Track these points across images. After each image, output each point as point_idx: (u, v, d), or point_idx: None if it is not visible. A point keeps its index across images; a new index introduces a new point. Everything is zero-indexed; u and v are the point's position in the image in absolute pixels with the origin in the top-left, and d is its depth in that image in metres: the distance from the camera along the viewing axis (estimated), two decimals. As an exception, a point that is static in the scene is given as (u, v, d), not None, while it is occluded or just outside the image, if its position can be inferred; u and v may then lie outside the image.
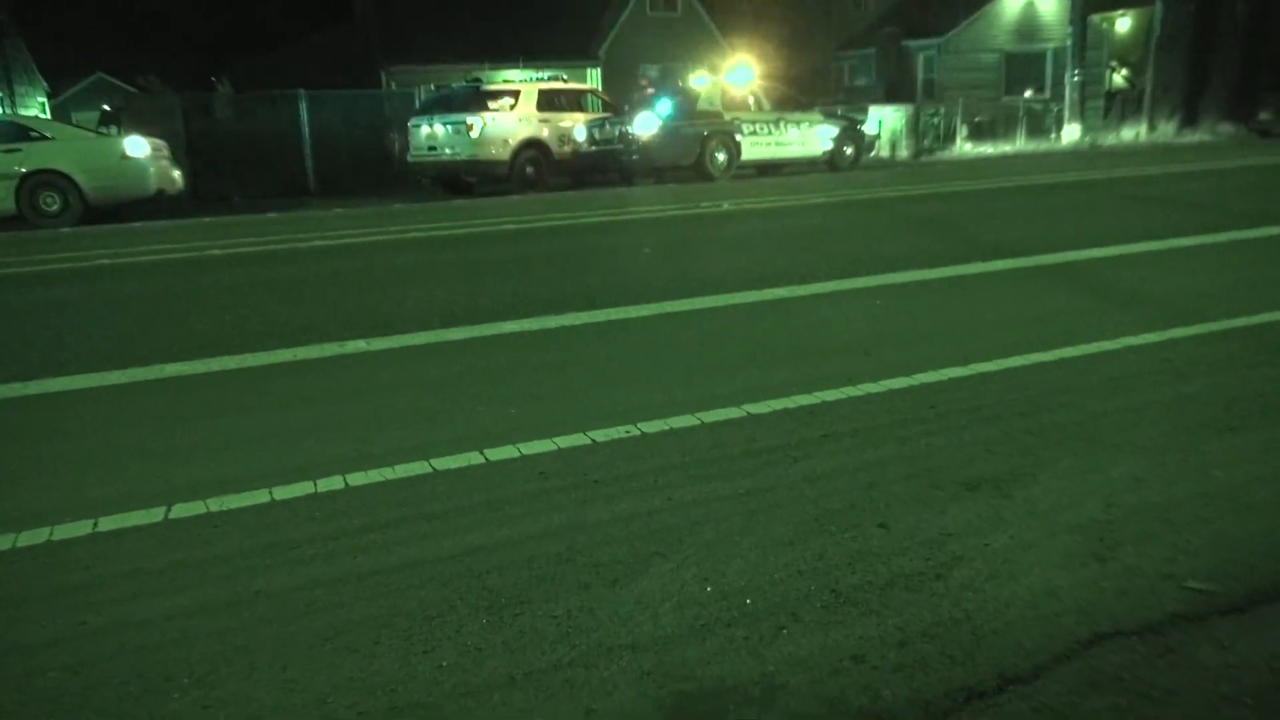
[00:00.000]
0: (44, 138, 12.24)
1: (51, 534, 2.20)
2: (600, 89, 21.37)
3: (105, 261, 7.61)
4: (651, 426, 2.76)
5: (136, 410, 3.22)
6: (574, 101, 16.08)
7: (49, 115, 29.88)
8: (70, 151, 12.20)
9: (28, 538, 2.19)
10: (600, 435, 2.70)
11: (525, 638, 1.68)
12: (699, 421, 2.79)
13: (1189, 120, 22.15)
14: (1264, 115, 21.27)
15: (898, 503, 2.18)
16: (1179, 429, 2.57)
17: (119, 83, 37.45)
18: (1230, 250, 5.47)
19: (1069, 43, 21.94)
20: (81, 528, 2.23)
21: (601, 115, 15.95)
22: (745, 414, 2.84)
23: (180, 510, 2.30)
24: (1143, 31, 26.81)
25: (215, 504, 2.33)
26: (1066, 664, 1.54)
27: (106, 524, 2.24)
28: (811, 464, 2.43)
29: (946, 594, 1.76)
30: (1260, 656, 1.53)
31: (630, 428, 2.75)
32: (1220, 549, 1.89)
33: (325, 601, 1.83)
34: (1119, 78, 29.51)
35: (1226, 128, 21.25)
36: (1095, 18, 24.59)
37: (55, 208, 12.02)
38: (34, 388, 3.53)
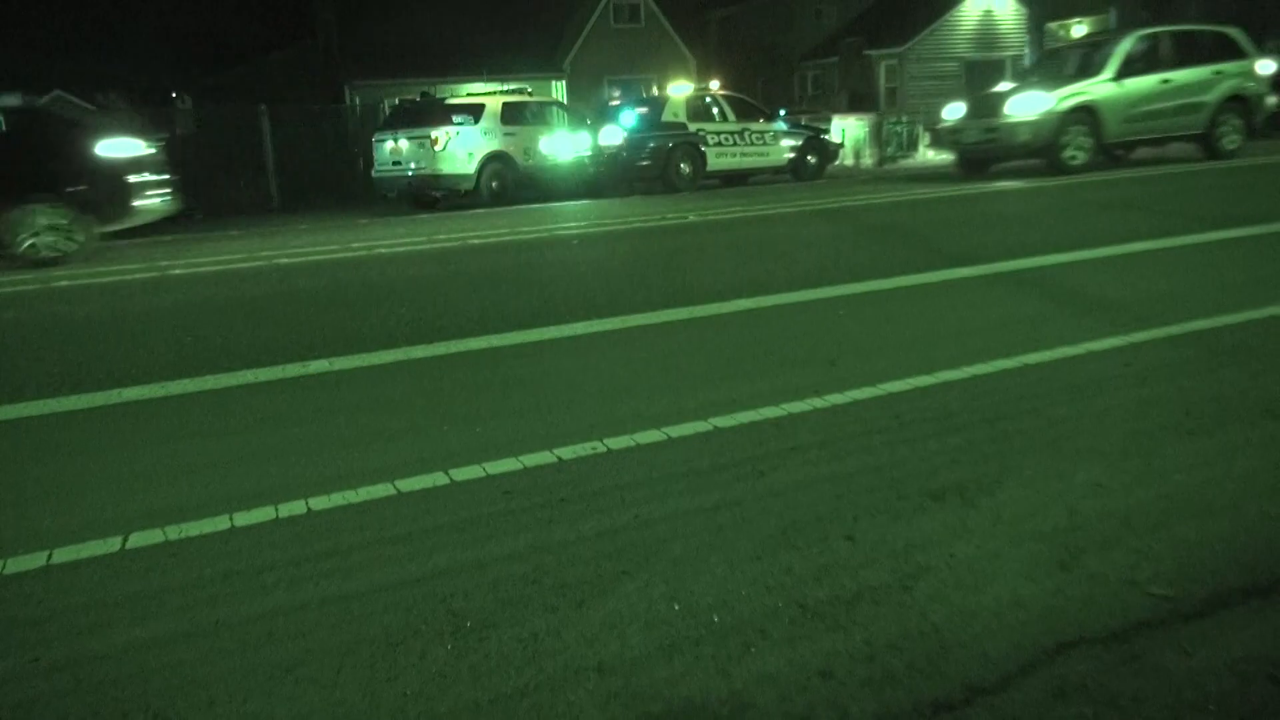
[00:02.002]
0: None
1: (4, 567, 2.15)
2: (565, 101, 21.40)
3: (63, 283, 7.48)
4: (618, 443, 2.74)
5: (93, 436, 3.16)
6: (539, 114, 16.07)
7: (5, 134, 29.31)
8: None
9: (-21, 572, 2.13)
10: (567, 453, 2.69)
11: (491, 662, 1.66)
12: (666, 436, 2.78)
13: (1145, 125, 22.52)
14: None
15: (864, 514, 2.18)
16: (1140, 433, 2.59)
17: (78, 100, 36.93)
18: (1186, 254, 5.56)
19: (1027, 50, 22.28)
20: (35, 560, 2.17)
21: (566, 128, 15.96)
22: (712, 428, 2.84)
23: (138, 539, 2.25)
24: (1098, 38, 27.27)
25: (174, 532, 2.28)
26: (1033, 674, 1.54)
27: (61, 555, 2.19)
28: (778, 477, 2.43)
29: (913, 606, 1.76)
30: (1223, 661, 1.55)
31: (597, 444, 2.74)
32: (1181, 554, 1.91)
33: (286, 630, 1.80)
34: (1076, 84, 29.99)
35: (1181, 132, 21.62)
36: (1052, 25, 25.01)
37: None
38: (-13, 415, 3.45)
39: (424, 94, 17.44)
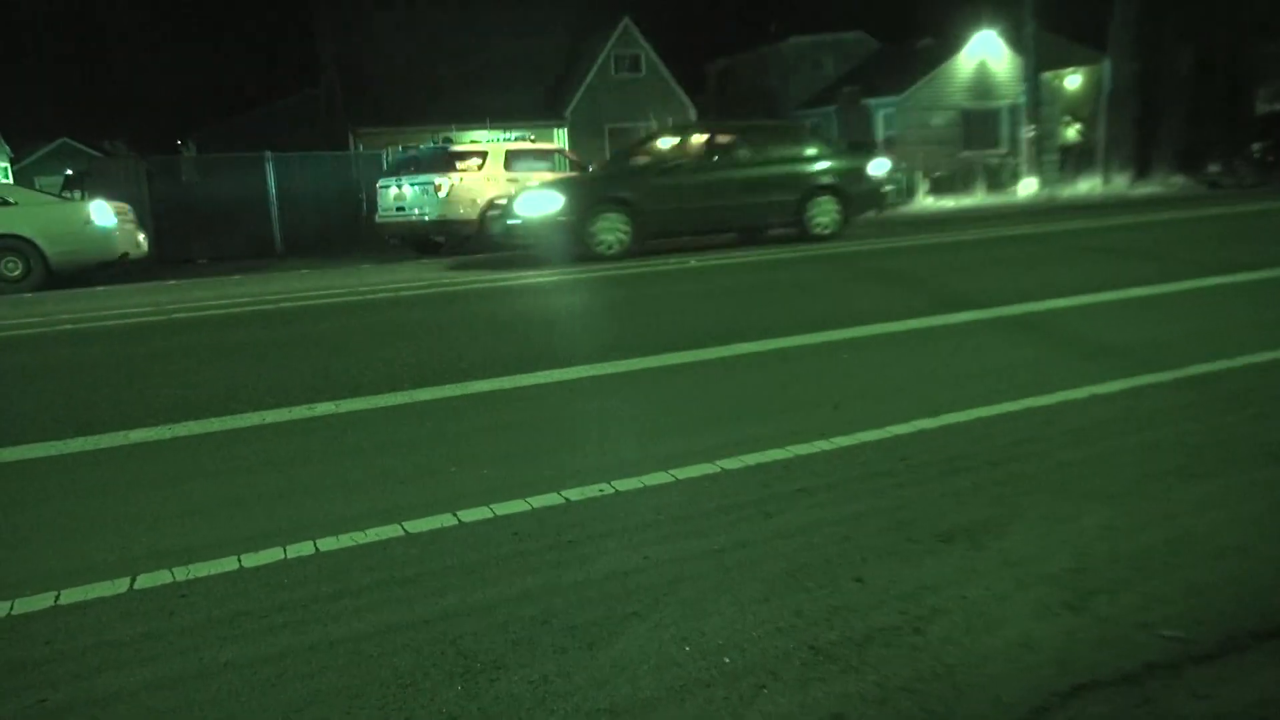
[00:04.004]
0: (6, 203, 12.15)
1: (11, 608, 2.14)
2: (567, 148, 21.65)
3: (68, 326, 7.51)
4: (625, 484, 2.75)
5: (100, 478, 3.16)
6: (542, 161, 16.25)
7: (11, 180, 29.67)
8: (33, 216, 12.11)
9: (-14, 613, 2.12)
10: (574, 494, 2.69)
11: (501, 704, 1.65)
12: (673, 478, 2.78)
13: (1141, 173, 22.80)
14: (1213, 168, 21.97)
15: (873, 556, 2.18)
16: (1146, 476, 2.60)
17: (84, 147, 37.40)
18: (1185, 299, 5.60)
19: (1022, 99, 22.58)
20: (43, 601, 2.17)
21: (568, 174, 16.12)
22: (719, 469, 2.84)
23: (145, 580, 2.25)
24: (1093, 87, 27.70)
25: (182, 573, 2.28)
26: (1047, 717, 1.54)
27: (69, 596, 2.18)
28: (786, 519, 2.43)
29: (925, 648, 1.76)
30: (1239, 705, 1.54)
31: (604, 486, 2.74)
32: (1192, 596, 1.91)
33: (296, 672, 1.79)
34: (1072, 132, 30.42)
35: (1178, 180, 21.88)
36: (1047, 75, 25.40)
37: (17, 273, 11.89)
38: (-6, 457, 3.46)
39: (445, 139, 17.66)
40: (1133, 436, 2.96)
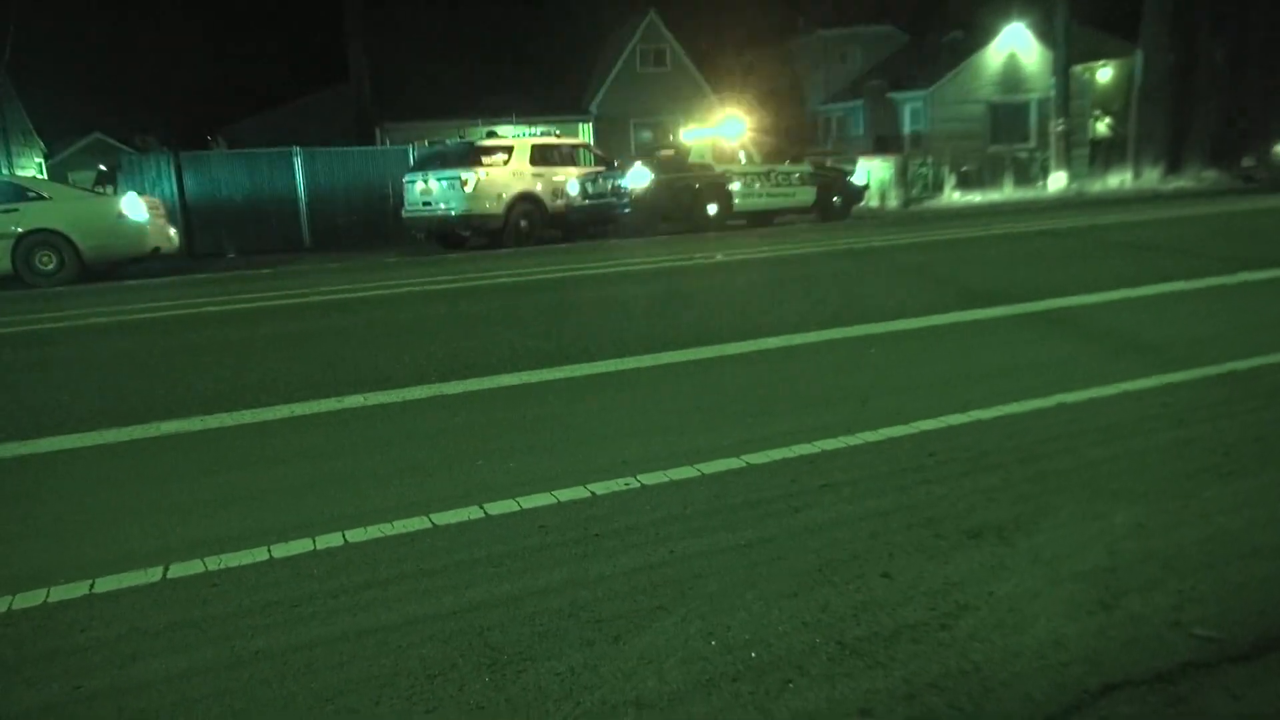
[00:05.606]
0: (41, 198, 12.33)
1: (48, 596, 2.18)
2: (593, 143, 21.67)
3: (101, 320, 7.61)
4: (651, 478, 2.75)
5: (133, 469, 3.20)
6: (567, 156, 16.28)
7: (46, 175, 30.10)
8: (66, 211, 12.28)
9: (23, 600, 2.16)
10: (600, 488, 2.69)
11: (529, 696, 1.66)
12: (699, 472, 2.78)
13: (1173, 167, 22.51)
14: (1246, 161, 21.65)
15: (900, 552, 2.16)
16: (1179, 474, 2.57)
17: (116, 142, 37.83)
18: (1219, 295, 5.52)
19: (1052, 93, 22.30)
20: (78, 589, 2.20)
21: (594, 169, 16.14)
22: (745, 464, 2.83)
23: (178, 570, 2.28)
24: (1124, 81, 27.36)
25: (213, 563, 2.31)
26: (1077, 715, 1.52)
27: (103, 585, 2.22)
28: (812, 514, 2.42)
29: (953, 644, 1.75)
30: (1273, 705, 1.52)
31: (630, 480, 2.75)
32: (1226, 595, 1.88)
33: (325, 661, 1.81)
34: (1103, 126, 30.05)
35: (1210, 174, 21.58)
36: (1077, 68, 25.09)
37: (51, 267, 12.06)
38: (28, 447, 3.51)
39: (490, 133, 17.83)
40: (1165, 434, 2.92)
